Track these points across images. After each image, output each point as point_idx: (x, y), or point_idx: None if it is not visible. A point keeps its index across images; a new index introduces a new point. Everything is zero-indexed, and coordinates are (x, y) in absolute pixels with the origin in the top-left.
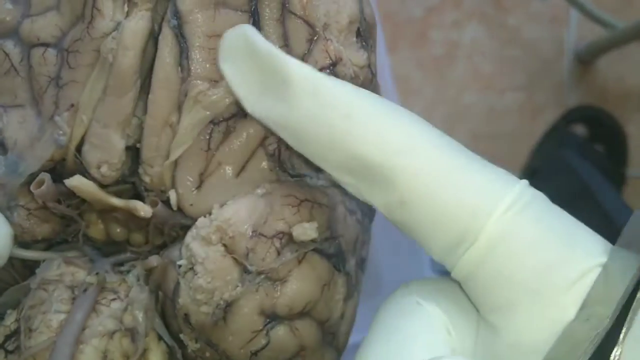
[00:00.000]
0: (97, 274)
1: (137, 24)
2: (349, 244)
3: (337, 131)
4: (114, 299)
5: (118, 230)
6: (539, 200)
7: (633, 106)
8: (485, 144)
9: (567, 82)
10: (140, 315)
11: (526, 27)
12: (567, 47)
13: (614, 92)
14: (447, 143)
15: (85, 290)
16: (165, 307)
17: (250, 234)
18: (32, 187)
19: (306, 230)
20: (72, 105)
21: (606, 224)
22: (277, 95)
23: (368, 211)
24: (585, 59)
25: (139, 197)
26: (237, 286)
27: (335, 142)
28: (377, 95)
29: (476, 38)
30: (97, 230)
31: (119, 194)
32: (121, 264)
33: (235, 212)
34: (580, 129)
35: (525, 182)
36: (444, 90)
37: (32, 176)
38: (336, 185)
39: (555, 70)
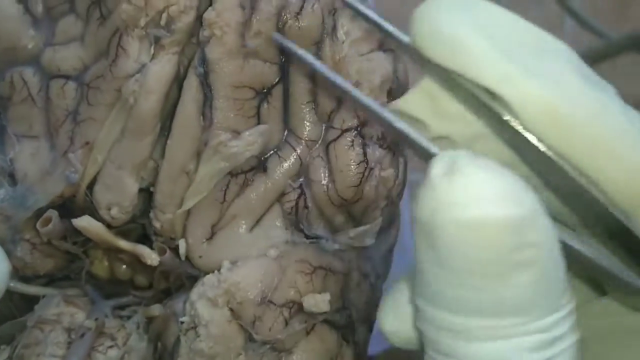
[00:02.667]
0: (96, 319)
1: (163, 68)
2: (360, 311)
3: None
4: (111, 346)
5: (123, 268)
6: None
7: None
8: None
9: None
10: None
11: None
12: None
13: None
14: None
15: (82, 335)
16: (163, 359)
17: (259, 300)
18: (38, 225)
19: (318, 303)
20: (87, 143)
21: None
22: None
23: (382, 272)
24: None
25: (147, 238)
26: (240, 354)
27: None
28: None
29: None
30: (101, 267)
31: (126, 233)
32: (122, 307)
33: (245, 276)
34: None
35: None
36: None
37: (40, 211)
38: (352, 248)
39: None
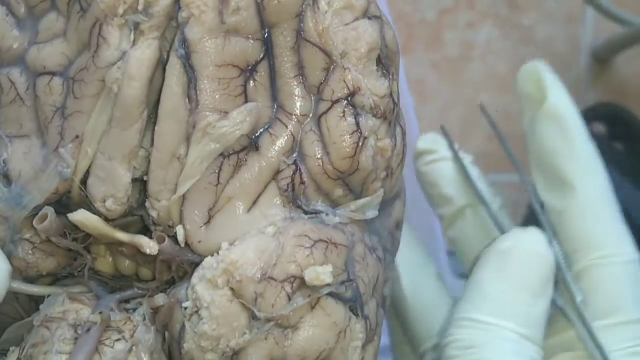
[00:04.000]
0: (100, 312)
1: (144, 53)
2: (368, 285)
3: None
4: (118, 339)
5: (127, 263)
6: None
7: None
8: (500, 145)
9: (584, 80)
10: (145, 358)
11: (541, 27)
12: (583, 45)
13: (632, 90)
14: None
15: (88, 329)
16: (171, 349)
17: (259, 277)
18: (34, 222)
19: (319, 275)
20: (77, 137)
21: (627, 222)
22: None
23: (391, 247)
24: (602, 57)
25: (146, 229)
26: (245, 333)
27: None
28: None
29: (490, 38)
30: (105, 263)
31: (126, 227)
32: (127, 300)
33: (242, 254)
34: (598, 128)
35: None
36: (459, 92)
37: (37, 209)
38: (355, 222)
39: (572, 69)
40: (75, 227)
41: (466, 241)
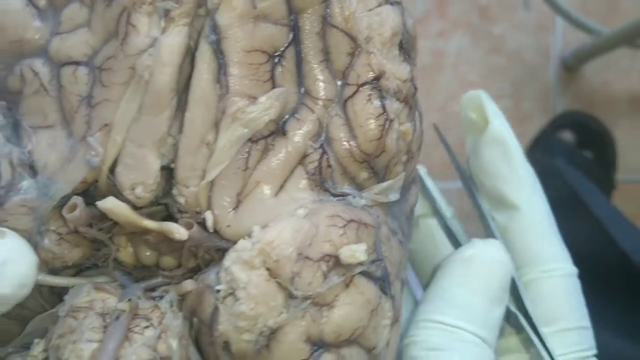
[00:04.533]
0: (129, 300)
1: (175, 40)
2: (393, 266)
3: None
4: (147, 326)
5: (148, 253)
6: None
7: (619, 112)
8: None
9: (553, 88)
10: (174, 344)
11: (511, 36)
12: (552, 54)
13: (600, 98)
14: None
15: (117, 317)
16: (200, 334)
17: (296, 257)
18: (64, 212)
19: (354, 253)
20: (106, 125)
21: (596, 230)
22: None
23: (407, 232)
24: (571, 66)
25: (171, 219)
26: (282, 312)
27: None
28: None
29: (462, 47)
30: (126, 254)
31: (150, 216)
32: (153, 289)
33: (278, 234)
34: (568, 136)
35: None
36: (431, 99)
37: (63, 199)
38: (379, 204)
39: (542, 77)
40: (100, 218)
41: (419, 251)
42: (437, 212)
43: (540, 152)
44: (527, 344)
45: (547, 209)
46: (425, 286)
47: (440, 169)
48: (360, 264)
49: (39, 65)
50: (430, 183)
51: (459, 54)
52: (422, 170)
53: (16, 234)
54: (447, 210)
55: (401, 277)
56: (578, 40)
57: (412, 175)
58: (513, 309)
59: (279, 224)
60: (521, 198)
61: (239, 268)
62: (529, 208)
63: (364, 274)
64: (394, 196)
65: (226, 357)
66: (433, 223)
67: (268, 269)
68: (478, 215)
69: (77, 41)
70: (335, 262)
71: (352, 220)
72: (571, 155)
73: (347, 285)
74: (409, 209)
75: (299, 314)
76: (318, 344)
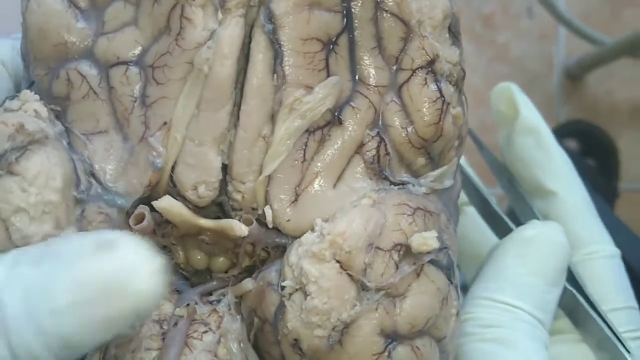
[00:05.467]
0: (187, 305)
1: (234, 31)
2: (455, 254)
3: None
4: (205, 332)
5: (199, 257)
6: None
7: (622, 120)
8: (476, 157)
9: (556, 97)
10: (235, 347)
11: (515, 44)
12: (556, 63)
13: (603, 107)
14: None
15: (175, 324)
16: (262, 334)
17: (367, 247)
18: (131, 222)
19: (427, 240)
20: (165, 124)
21: None
22: None
23: (456, 218)
24: (575, 75)
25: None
26: (355, 305)
27: None
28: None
29: (465, 55)
30: (178, 258)
31: (204, 217)
32: (209, 293)
33: (349, 225)
34: (571, 144)
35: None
36: None
37: (134, 204)
38: (436, 191)
39: (545, 86)
40: (161, 224)
41: (462, 237)
42: (480, 198)
43: None
44: (582, 324)
45: (585, 192)
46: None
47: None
48: (430, 252)
49: (86, 68)
50: (470, 170)
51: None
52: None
53: (130, 236)
54: (491, 199)
55: (458, 264)
56: (581, 50)
57: (458, 162)
58: (570, 287)
59: (348, 215)
60: (559, 183)
61: (309, 262)
62: (567, 193)
63: (432, 262)
64: (448, 182)
65: (295, 355)
66: (471, 210)
67: (339, 262)
68: (513, 205)
69: (124, 40)
70: (406, 251)
71: (419, 208)
72: (575, 163)
73: (418, 275)
74: (456, 195)
75: (373, 306)
76: (392, 337)
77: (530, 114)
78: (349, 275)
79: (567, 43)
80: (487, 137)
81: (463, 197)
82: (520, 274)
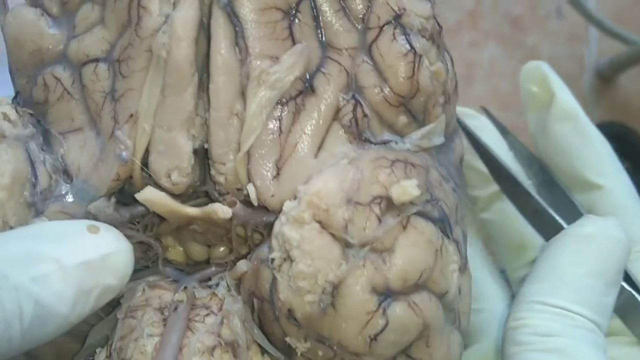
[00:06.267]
0: (185, 288)
1: (187, 13)
2: (451, 209)
3: None
4: (207, 315)
5: (197, 249)
6: None
7: None
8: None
9: (588, 99)
10: (239, 327)
11: (544, 46)
12: (587, 64)
13: (636, 108)
14: None
15: (175, 308)
16: (263, 314)
17: (345, 203)
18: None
19: (406, 189)
20: (132, 116)
21: None
22: None
23: (460, 182)
24: (607, 76)
25: None
26: (341, 264)
27: None
28: None
29: (494, 58)
30: (176, 253)
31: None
32: (208, 279)
33: (324, 184)
34: None
35: None
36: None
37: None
38: (424, 149)
39: (576, 87)
40: (141, 215)
41: (504, 226)
42: (521, 189)
43: None
44: (638, 325)
45: (631, 185)
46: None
47: None
48: (414, 203)
49: (60, 71)
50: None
51: (492, 65)
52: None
53: (108, 226)
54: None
55: (462, 226)
56: (613, 50)
57: (452, 122)
58: (628, 287)
59: (323, 174)
60: (604, 176)
61: (290, 227)
62: (613, 186)
63: (420, 214)
64: (438, 140)
65: (293, 327)
66: (507, 205)
67: (319, 222)
68: (543, 197)
69: (93, 39)
70: (387, 203)
71: (397, 160)
72: None
73: (405, 227)
74: (457, 159)
75: (359, 263)
76: (385, 293)
77: (567, 98)
78: (331, 234)
79: (598, 43)
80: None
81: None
82: (578, 275)
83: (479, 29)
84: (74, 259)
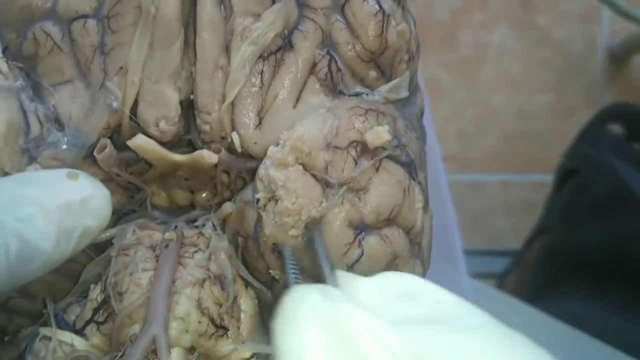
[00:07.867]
0: (175, 227)
1: None
2: (415, 155)
3: None
4: (195, 251)
5: (181, 195)
6: None
7: None
8: (515, 145)
9: (600, 80)
10: (225, 261)
11: (556, 27)
12: (599, 45)
13: None
14: None
15: (166, 245)
16: (247, 251)
17: (325, 146)
18: (95, 152)
19: (379, 134)
20: (121, 68)
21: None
22: None
23: (421, 135)
24: (619, 57)
25: None
26: (322, 202)
27: None
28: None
29: (505, 39)
30: (160, 198)
31: None
32: (194, 220)
33: (306, 130)
34: (616, 128)
35: None
36: (473, 92)
37: (91, 148)
38: (392, 102)
39: (588, 69)
40: (130, 162)
41: None
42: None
43: (587, 146)
44: None
45: None
46: None
47: (483, 161)
48: (385, 148)
49: (50, 26)
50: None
51: (502, 46)
52: None
53: (87, 174)
54: None
55: (424, 171)
56: (625, 30)
57: (415, 78)
58: None
59: (304, 121)
60: None
61: (275, 169)
62: None
63: (390, 157)
64: (403, 92)
65: (277, 259)
66: None
67: (302, 164)
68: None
69: None
70: (362, 147)
71: (370, 109)
72: (620, 148)
73: (378, 169)
74: (418, 112)
75: (338, 201)
76: (361, 227)
77: None
78: (313, 175)
79: (610, 24)
80: (526, 124)
81: None
82: None
83: (489, 9)
84: (55, 200)
